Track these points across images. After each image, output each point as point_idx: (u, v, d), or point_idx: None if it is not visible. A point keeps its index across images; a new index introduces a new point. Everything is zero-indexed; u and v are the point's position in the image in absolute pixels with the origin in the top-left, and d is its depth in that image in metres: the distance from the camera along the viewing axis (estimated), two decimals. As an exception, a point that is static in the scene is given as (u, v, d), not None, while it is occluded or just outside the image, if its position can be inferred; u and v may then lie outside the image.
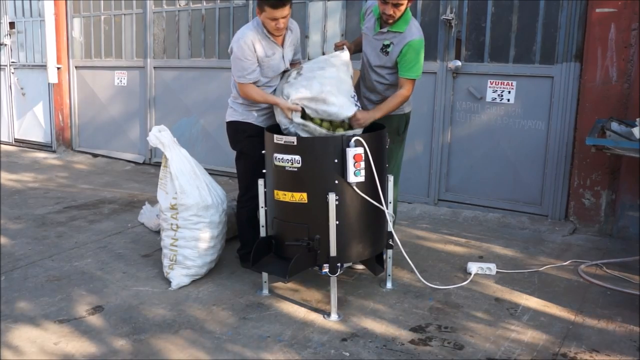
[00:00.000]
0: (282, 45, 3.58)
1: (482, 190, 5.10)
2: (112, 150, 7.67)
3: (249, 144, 3.65)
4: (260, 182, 3.39)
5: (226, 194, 3.86)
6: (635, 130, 3.50)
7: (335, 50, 3.62)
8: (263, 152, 3.34)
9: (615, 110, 4.34)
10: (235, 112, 3.72)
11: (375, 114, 3.47)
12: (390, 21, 3.48)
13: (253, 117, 3.68)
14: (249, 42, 3.45)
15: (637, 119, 3.73)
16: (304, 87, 3.33)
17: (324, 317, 3.22)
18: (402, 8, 3.41)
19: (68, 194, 5.88)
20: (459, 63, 5.02)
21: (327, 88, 3.30)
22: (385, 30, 3.53)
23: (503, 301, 3.42)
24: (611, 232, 4.52)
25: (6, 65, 8.64)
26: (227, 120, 3.78)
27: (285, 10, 3.34)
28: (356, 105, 3.39)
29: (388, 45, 3.55)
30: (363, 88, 3.76)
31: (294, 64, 3.76)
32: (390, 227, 3.43)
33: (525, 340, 2.97)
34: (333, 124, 3.35)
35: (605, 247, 4.32)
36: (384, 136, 3.38)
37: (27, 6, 8.27)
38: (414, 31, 3.51)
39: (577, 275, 3.77)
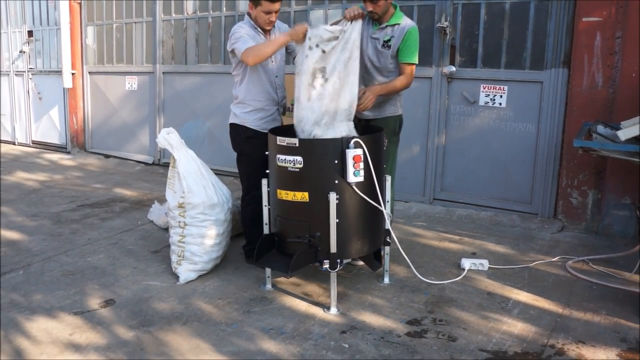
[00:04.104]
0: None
1: (475, 189, 5.10)
2: (123, 151, 7.68)
3: (249, 146, 3.66)
4: (264, 181, 3.39)
5: (231, 193, 3.86)
6: (620, 133, 3.49)
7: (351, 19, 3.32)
8: (267, 152, 3.33)
9: (601, 113, 4.34)
10: (235, 116, 3.74)
11: (377, 91, 3.53)
12: (376, 17, 3.57)
13: (251, 121, 3.68)
14: (244, 28, 3.55)
15: (622, 122, 3.73)
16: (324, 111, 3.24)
17: (324, 310, 3.22)
18: (381, 3, 3.49)
19: (82, 193, 5.89)
20: (453, 68, 5.01)
21: (342, 120, 3.29)
22: (383, 25, 3.59)
23: (495, 295, 3.42)
24: (597, 229, 4.52)
25: (24, 71, 8.65)
26: (229, 123, 3.80)
27: (279, 5, 3.52)
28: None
29: (389, 40, 3.59)
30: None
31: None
32: (387, 225, 3.42)
33: (515, 333, 2.97)
34: None
35: (591, 243, 4.31)
36: (381, 138, 3.38)
37: (45, 15, 8.28)
38: (409, 21, 3.63)
39: (565, 271, 3.76)
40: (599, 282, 3.54)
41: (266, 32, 3.62)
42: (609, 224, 4.45)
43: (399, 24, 3.58)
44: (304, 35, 3.24)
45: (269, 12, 3.48)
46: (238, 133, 3.73)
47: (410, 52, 3.58)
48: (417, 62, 3.64)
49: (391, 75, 3.64)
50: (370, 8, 3.51)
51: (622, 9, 4.21)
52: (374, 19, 3.61)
